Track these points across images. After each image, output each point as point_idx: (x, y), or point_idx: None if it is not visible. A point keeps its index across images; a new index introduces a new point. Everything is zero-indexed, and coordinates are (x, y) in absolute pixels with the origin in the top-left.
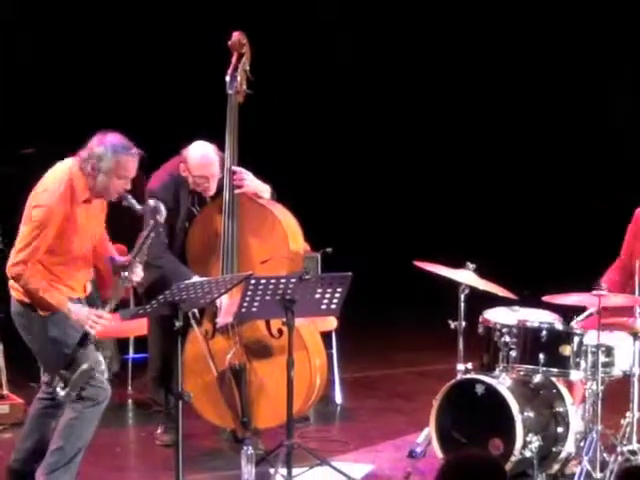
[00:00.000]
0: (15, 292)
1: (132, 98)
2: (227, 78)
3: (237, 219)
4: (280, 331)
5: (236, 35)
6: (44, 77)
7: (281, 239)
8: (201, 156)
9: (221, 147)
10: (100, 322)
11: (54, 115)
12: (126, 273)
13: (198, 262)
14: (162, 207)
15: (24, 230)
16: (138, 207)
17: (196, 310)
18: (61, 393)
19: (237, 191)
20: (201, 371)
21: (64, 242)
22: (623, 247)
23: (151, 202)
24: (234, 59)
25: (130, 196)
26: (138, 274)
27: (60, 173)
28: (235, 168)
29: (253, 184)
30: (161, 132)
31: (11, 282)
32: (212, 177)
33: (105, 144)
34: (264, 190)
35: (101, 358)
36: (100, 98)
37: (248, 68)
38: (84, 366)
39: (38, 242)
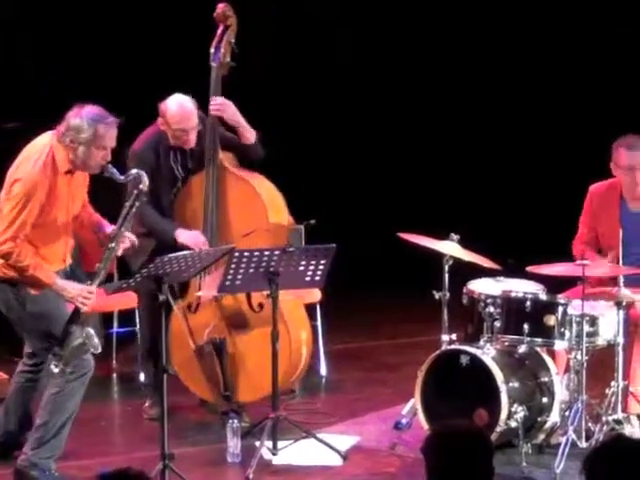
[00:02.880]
0: None
1: (117, 69)
2: (211, 50)
3: (218, 192)
4: (261, 305)
5: (221, 7)
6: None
7: (260, 212)
8: (178, 109)
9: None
10: (91, 297)
11: (40, 93)
12: (113, 244)
13: None
14: (144, 176)
15: (7, 207)
16: (120, 177)
17: (175, 284)
18: (55, 370)
19: (213, 113)
20: (184, 345)
21: (45, 214)
22: (582, 223)
23: (133, 171)
24: (219, 31)
25: (111, 166)
26: (125, 244)
27: (40, 146)
28: (216, 98)
29: (233, 113)
30: (144, 103)
31: None
32: (191, 129)
33: (81, 116)
34: (246, 126)
35: (92, 332)
36: (81, 72)
37: (233, 40)
38: (76, 342)
39: (25, 216)
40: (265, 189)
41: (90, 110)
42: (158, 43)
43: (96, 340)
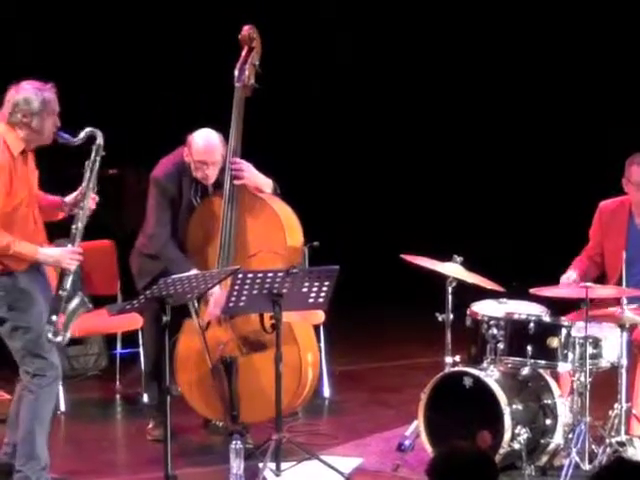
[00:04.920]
0: None
1: (138, 90)
2: (236, 71)
3: (236, 212)
4: (273, 326)
5: (246, 29)
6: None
7: (279, 234)
8: (204, 141)
9: (225, 138)
10: (77, 257)
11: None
12: (83, 203)
13: (196, 253)
14: (97, 131)
15: None
16: (74, 139)
17: (196, 301)
18: (58, 339)
19: (236, 182)
20: (194, 363)
21: (12, 198)
22: (591, 237)
23: (85, 130)
24: (244, 52)
25: (62, 132)
26: (93, 203)
27: None
28: (236, 159)
29: (253, 176)
30: (167, 123)
31: None
32: (212, 164)
33: (25, 89)
34: (265, 184)
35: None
36: (102, 90)
37: (257, 62)
38: (73, 305)
39: None
40: (283, 211)
41: (29, 83)
42: (174, 59)
43: (87, 301)
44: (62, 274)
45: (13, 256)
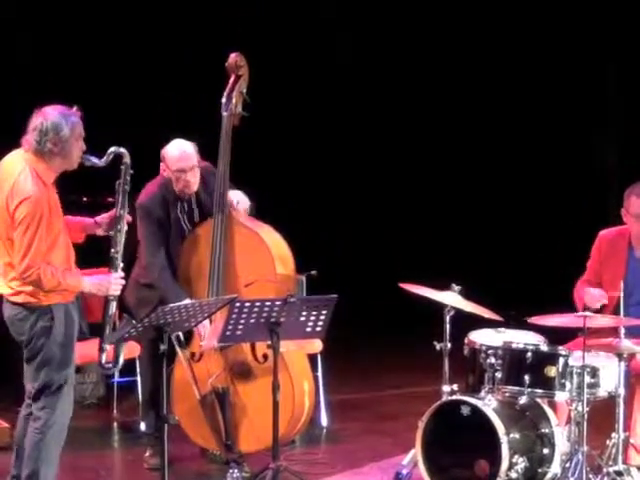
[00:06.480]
0: (18, 297)
1: (125, 114)
2: (223, 99)
3: (226, 242)
4: (265, 356)
5: (233, 57)
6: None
7: (268, 263)
8: (177, 149)
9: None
10: (119, 282)
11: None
12: (119, 225)
13: (186, 282)
14: (123, 150)
15: (19, 231)
16: (100, 161)
17: (180, 333)
18: (110, 365)
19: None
20: (187, 394)
21: (51, 229)
22: (589, 267)
23: (110, 149)
24: (231, 80)
25: (87, 155)
26: (126, 223)
27: (19, 167)
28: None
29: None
30: (153, 151)
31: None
32: (190, 169)
33: (53, 114)
34: (242, 201)
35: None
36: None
37: (245, 90)
38: (123, 330)
39: (39, 235)
40: (272, 240)
41: (54, 108)
42: (163, 86)
43: (134, 323)
44: (107, 301)
45: (61, 290)
